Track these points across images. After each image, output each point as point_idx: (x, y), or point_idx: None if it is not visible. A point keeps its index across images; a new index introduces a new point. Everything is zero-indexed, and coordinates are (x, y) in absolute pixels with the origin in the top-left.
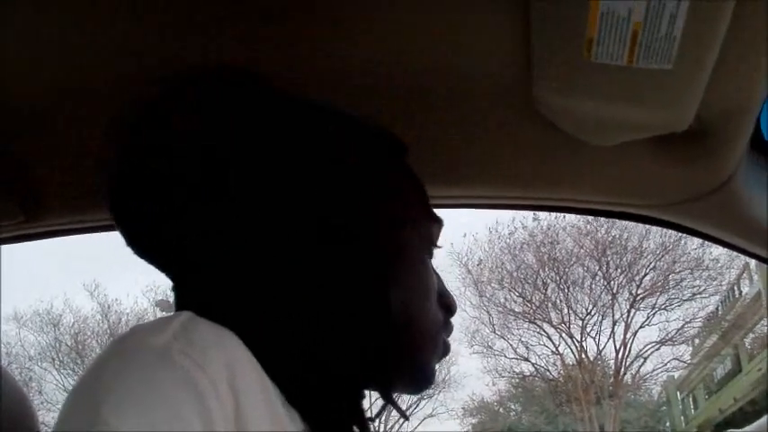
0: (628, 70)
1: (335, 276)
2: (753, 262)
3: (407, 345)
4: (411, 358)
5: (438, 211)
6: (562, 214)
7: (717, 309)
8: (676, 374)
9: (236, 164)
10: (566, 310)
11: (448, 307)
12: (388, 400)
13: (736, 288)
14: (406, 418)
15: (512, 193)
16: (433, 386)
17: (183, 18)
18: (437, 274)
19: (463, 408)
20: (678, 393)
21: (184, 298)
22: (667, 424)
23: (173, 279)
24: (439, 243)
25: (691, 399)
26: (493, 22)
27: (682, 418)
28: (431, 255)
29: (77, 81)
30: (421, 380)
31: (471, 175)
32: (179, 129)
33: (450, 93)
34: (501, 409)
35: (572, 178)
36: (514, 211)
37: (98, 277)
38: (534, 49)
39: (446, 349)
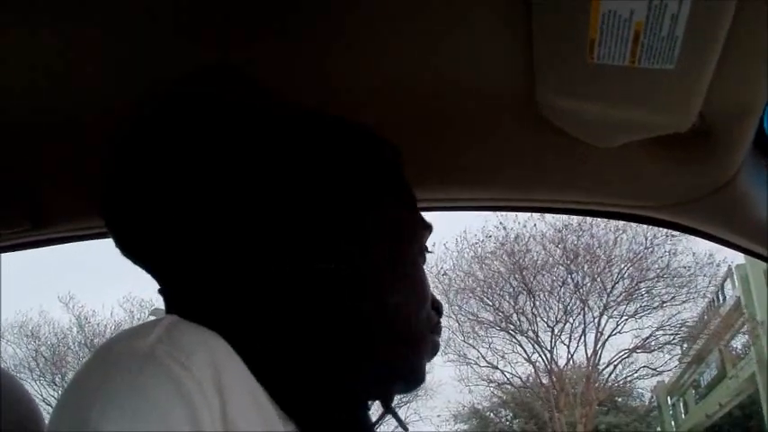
0: (630, 71)
1: (328, 287)
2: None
3: (403, 348)
4: (406, 361)
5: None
6: (533, 223)
7: (703, 314)
8: (666, 379)
9: (223, 174)
10: (535, 319)
11: (437, 308)
12: (389, 410)
13: (720, 293)
14: (405, 429)
15: (514, 195)
16: (406, 394)
17: (179, 28)
18: None
19: (454, 415)
20: (669, 398)
21: (172, 302)
22: (658, 429)
23: (161, 284)
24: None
25: (681, 403)
26: (494, 26)
27: (672, 422)
28: (424, 259)
29: (78, 94)
30: (413, 380)
31: (473, 179)
32: (169, 143)
33: (451, 97)
34: (492, 415)
35: (575, 180)
36: (484, 222)
37: (72, 289)
38: (536, 52)
39: (435, 348)
